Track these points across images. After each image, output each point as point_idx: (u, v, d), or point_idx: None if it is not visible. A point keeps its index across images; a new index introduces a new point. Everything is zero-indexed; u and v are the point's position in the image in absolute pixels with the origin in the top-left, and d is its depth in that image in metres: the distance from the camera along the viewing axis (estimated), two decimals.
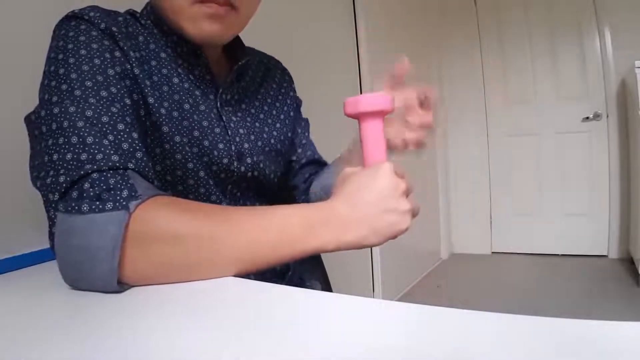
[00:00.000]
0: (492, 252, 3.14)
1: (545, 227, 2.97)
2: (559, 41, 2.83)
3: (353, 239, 0.45)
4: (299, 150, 0.75)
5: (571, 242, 2.88)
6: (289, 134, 0.72)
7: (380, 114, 0.51)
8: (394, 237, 0.47)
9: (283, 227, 0.44)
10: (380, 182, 0.47)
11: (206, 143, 0.56)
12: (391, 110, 0.51)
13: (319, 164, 0.78)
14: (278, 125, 0.69)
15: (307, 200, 0.74)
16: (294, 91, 0.77)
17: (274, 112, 0.70)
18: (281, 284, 0.58)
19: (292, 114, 0.74)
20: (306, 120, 0.79)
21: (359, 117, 0.51)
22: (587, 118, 2.77)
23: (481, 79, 3.09)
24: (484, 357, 0.25)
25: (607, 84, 2.70)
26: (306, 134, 0.78)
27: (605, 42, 2.68)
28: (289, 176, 0.76)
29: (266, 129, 0.66)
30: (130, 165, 0.43)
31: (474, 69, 3.09)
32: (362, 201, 0.46)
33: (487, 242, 3.15)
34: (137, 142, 0.46)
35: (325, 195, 0.67)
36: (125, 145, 0.44)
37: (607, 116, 2.72)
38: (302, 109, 0.79)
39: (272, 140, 0.66)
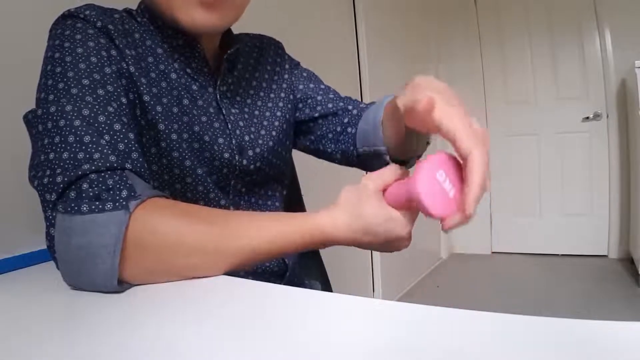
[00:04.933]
0: (492, 252, 3.14)
1: (545, 227, 2.97)
2: (559, 41, 2.83)
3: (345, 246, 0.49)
4: (307, 111, 0.71)
5: (571, 242, 2.88)
6: (294, 109, 0.70)
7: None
8: None
9: (282, 241, 0.45)
10: (393, 237, 0.46)
11: (206, 138, 0.56)
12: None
13: (344, 111, 0.70)
14: (281, 104, 0.68)
15: (355, 157, 0.68)
16: (289, 62, 0.73)
17: (272, 94, 0.68)
18: (280, 284, 0.58)
19: (292, 87, 0.71)
20: (307, 76, 0.73)
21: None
22: (587, 118, 2.77)
23: (481, 79, 3.09)
24: (484, 357, 0.25)
25: (607, 84, 2.70)
26: (310, 87, 0.71)
27: (605, 42, 2.68)
28: (312, 142, 0.72)
29: (268, 113, 0.65)
30: (128, 166, 0.43)
31: (474, 69, 3.09)
32: (370, 237, 0.46)
33: (487, 242, 3.15)
34: (133, 142, 0.45)
35: (375, 149, 0.62)
36: (121, 146, 0.44)
37: (607, 116, 2.72)
38: None
39: (276, 123, 0.65)
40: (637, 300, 2.08)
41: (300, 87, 0.72)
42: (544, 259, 2.89)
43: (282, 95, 0.69)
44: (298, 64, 0.75)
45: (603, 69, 2.71)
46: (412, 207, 0.46)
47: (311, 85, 0.72)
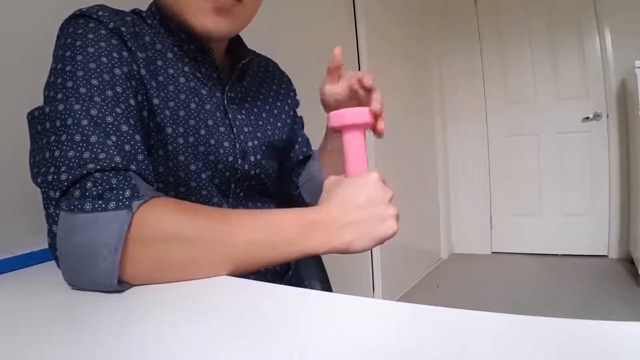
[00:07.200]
0: (492, 252, 3.14)
1: (545, 227, 2.96)
2: (559, 41, 2.83)
3: (343, 243, 0.47)
4: (296, 147, 0.77)
5: (571, 242, 2.88)
6: (289, 134, 0.73)
7: (363, 127, 0.54)
8: (382, 242, 0.49)
9: (278, 228, 0.45)
10: (371, 188, 0.49)
11: (212, 141, 0.56)
12: (371, 123, 0.56)
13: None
14: (279, 124, 0.69)
15: (301, 193, 0.76)
16: (294, 92, 0.78)
17: (275, 111, 0.70)
18: (280, 284, 0.58)
19: (292, 113, 0.74)
20: (301, 118, 0.80)
21: (342, 129, 0.54)
22: (587, 118, 2.77)
23: (481, 79, 3.09)
24: (484, 357, 0.25)
25: (607, 84, 2.70)
26: (301, 132, 0.79)
27: (605, 42, 2.68)
28: (287, 173, 0.77)
29: (269, 127, 0.67)
30: (132, 167, 0.43)
31: (474, 69, 3.09)
32: (354, 204, 0.47)
33: (487, 242, 3.15)
34: (139, 144, 0.46)
35: (311, 180, 0.72)
36: (127, 147, 0.44)
37: (607, 116, 2.72)
38: (302, 108, 0.79)
39: (276, 137, 0.67)
40: (637, 300, 2.08)
41: (302, 132, 0.79)
42: (544, 259, 2.89)
43: (283, 116, 0.71)
44: (298, 103, 0.79)
45: (603, 69, 2.71)
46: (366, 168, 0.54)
47: (306, 136, 0.80)
